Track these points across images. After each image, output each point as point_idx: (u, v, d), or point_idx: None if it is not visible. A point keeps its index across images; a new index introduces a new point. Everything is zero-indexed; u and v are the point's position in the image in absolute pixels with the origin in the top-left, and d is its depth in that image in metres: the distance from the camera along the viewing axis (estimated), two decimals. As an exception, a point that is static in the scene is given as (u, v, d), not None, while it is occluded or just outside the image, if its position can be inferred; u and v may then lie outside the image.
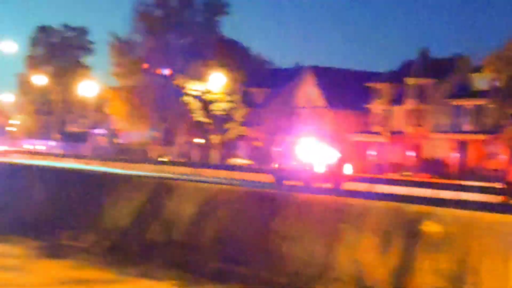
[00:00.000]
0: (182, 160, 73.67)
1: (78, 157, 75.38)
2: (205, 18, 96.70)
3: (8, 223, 19.10)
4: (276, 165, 42.26)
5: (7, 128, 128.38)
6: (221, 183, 20.85)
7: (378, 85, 72.91)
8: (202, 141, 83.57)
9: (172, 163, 67.86)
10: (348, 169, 38.99)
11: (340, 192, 24.43)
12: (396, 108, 71.09)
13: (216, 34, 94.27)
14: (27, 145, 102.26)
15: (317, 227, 15.97)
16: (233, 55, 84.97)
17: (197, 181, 21.97)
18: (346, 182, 36.62)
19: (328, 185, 34.99)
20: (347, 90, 76.12)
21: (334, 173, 37.70)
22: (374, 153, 70.35)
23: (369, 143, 72.40)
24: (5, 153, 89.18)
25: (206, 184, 19.77)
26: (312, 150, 38.77)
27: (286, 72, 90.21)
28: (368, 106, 73.53)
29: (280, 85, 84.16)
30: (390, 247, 15.44)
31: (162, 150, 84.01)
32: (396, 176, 57.53)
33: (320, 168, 37.95)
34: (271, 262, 14.44)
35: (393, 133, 70.16)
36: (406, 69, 70.66)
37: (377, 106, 73.06)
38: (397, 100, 70.51)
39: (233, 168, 61.41)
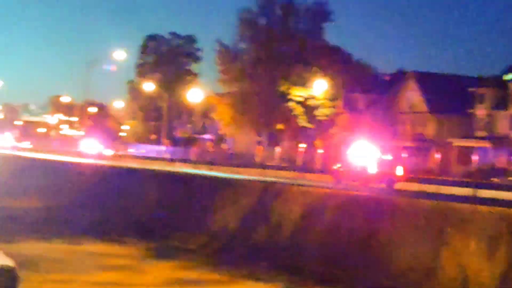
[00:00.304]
0: (286, 164, 73.73)
1: (186, 161, 76.42)
2: (309, 26, 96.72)
3: (123, 225, 19.63)
4: (338, 166, 44.85)
5: (120, 134, 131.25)
6: (326, 187, 20.91)
7: (481, 90, 71.61)
8: (305, 145, 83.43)
9: (277, 167, 68.01)
10: (399, 171, 41.26)
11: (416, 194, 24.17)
12: (500, 113, 69.75)
13: (319, 40, 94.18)
14: (136, 150, 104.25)
15: (420, 231, 15.87)
16: (336, 61, 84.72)
17: (302, 185, 22.05)
18: (398, 183, 38.29)
19: (382, 185, 36.69)
20: (449, 95, 74.92)
21: (387, 174, 39.88)
22: (476, 157, 69.18)
23: (472, 148, 71.15)
24: (114, 157, 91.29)
25: (310, 188, 19.86)
26: (365, 153, 41.96)
27: (388, 77, 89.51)
28: (471, 111, 72.29)
29: (382, 91, 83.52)
30: (496, 252, 15.20)
31: (267, 154, 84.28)
32: (500, 180, 56.59)
33: (373, 169, 40.29)
34: (375, 266, 14.42)
35: (497, 138, 68.92)
36: (509, 74, 69.48)
37: (480, 111, 71.78)
38: (500, 104, 69.16)
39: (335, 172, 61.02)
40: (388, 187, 36.69)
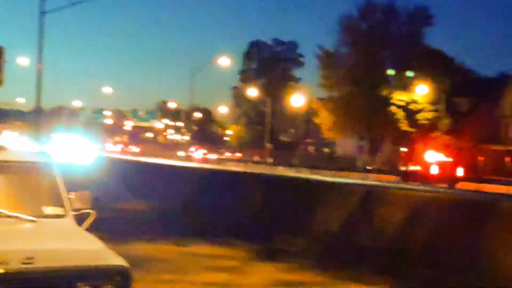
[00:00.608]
0: (388, 167, 73.18)
1: (289, 165, 76.79)
2: (409, 30, 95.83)
3: (227, 227, 19.81)
4: (404, 168, 51.24)
5: (224, 138, 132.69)
6: (429, 191, 20.61)
7: None
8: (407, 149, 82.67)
9: (378, 171, 67.56)
10: (460, 172, 46.57)
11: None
12: None
13: (420, 44, 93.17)
14: (239, 154, 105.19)
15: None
16: (437, 65, 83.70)
17: (404, 189, 21.81)
18: (458, 183, 42.10)
19: (444, 185, 39.70)
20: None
21: (448, 175, 44.67)
22: None
23: None
24: (218, 161, 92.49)
25: (413, 192, 19.58)
26: (426, 155, 48.66)
27: (490, 81, 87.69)
28: None
29: (485, 94, 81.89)
30: None
31: (368, 158, 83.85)
32: None
33: (435, 170, 46.29)
34: (481, 271, 14.12)
35: None
36: None
37: None
38: None
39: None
40: (449, 187, 39.02)
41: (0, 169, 8.35)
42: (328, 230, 18.00)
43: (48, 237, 7.54)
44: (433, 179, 44.65)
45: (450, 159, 49.35)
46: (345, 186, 24.85)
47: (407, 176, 47.26)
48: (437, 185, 38.61)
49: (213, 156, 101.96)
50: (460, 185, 41.91)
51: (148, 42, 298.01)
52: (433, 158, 48.72)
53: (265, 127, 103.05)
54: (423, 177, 45.01)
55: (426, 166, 47.85)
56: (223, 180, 26.36)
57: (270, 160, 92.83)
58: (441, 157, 49.22)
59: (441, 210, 15.66)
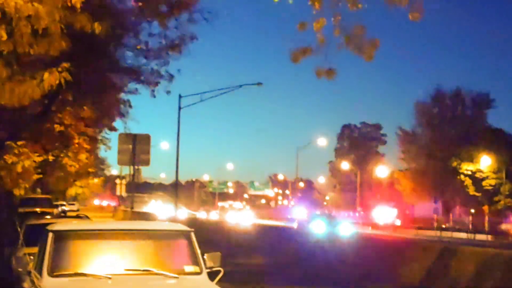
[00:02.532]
0: (459, 227, 71.08)
1: (376, 226, 75.91)
2: (474, 111, 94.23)
3: (328, 277, 19.61)
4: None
5: (323, 203, 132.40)
6: (493, 247, 19.95)
7: None
8: (474, 211, 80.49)
9: (452, 229, 65.80)
10: None
11: None
12: None
13: (483, 123, 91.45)
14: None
15: None
16: (498, 140, 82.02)
17: (474, 245, 21.18)
18: None
19: None
20: None
21: None
22: None
23: None
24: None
25: (481, 249, 19.00)
26: None
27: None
28: None
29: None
30: None
31: (443, 219, 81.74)
32: None
33: None
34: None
35: None
36: None
37: None
38: None
39: (501, 233, 59.01)
40: None
41: (150, 236, 8.58)
42: (413, 280, 17.56)
43: (187, 291, 7.66)
44: None
45: None
46: (423, 243, 24.32)
47: None
48: None
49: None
50: None
51: (261, 125, 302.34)
52: None
53: (356, 194, 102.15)
54: None
55: None
56: (317, 239, 26.20)
57: (360, 220, 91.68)
58: None
59: (505, 264, 15.09)
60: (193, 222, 38.00)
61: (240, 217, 60.17)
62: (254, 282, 18.09)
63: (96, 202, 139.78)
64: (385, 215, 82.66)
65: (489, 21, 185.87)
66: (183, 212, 77.94)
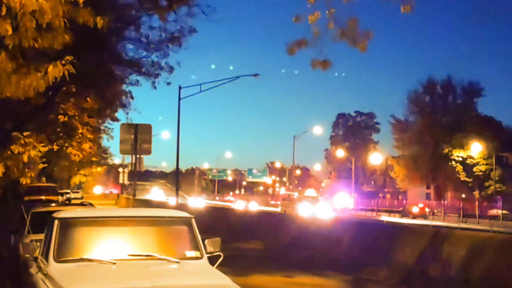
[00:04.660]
0: (450, 212, 71.28)
1: (370, 211, 76.17)
2: (464, 100, 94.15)
3: (325, 261, 19.64)
4: None
5: (320, 189, 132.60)
6: (485, 231, 20.04)
7: None
8: (466, 196, 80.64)
9: (444, 215, 65.98)
10: None
11: None
12: None
13: (473, 112, 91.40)
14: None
15: None
16: (488, 128, 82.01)
17: (465, 229, 21.27)
18: None
19: None
20: None
21: None
22: None
23: None
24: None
25: (472, 232, 19.06)
26: None
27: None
28: None
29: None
30: None
31: (434, 204, 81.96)
32: None
33: None
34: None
35: None
36: None
37: None
38: None
39: (491, 217, 59.22)
40: None
41: (153, 222, 8.62)
42: (406, 263, 17.60)
43: (189, 275, 7.69)
44: None
45: None
46: (416, 227, 24.36)
47: None
48: None
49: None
50: None
51: (258, 115, 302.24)
52: None
53: (351, 180, 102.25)
54: None
55: None
56: (320, 224, 26.21)
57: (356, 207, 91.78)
58: None
59: (497, 247, 15.13)
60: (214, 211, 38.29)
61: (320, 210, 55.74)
62: (247, 267, 18.11)
63: (98, 190, 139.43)
64: (343, 200, 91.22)
65: (479, 12, 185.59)
66: (200, 200, 78.20)
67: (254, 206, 77.79)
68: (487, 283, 14.31)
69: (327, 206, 60.74)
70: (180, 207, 37.09)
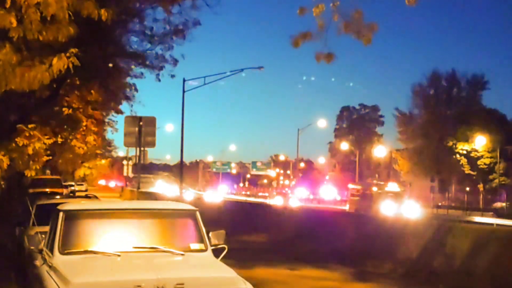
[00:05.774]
0: (454, 204, 71.26)
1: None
2: (469, 93, 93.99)
3: (328, 253, 19.65)
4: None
5: (324, 183, 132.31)
6: (488, 223, 20.03)
7: None
8: (470, 189, 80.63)
9: (447, 207, 65.95)
10: None
11: None
12: None
13: (478, 105, 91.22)
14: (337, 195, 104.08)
15: None
16: (492, 120, 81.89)
17: (469, 222, 21.27)
18: None
19: None
20: None
21: None
22: None
23: None
24: (316, 201, 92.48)
25: (476, 225, 19.12)
26: None
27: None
28: None
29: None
30: None
31: (438, 197, 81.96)
32: None
33: None
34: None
35: None
36: None
37: None
38: None
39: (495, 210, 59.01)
40: None
41: (157, 215, 8.64)
42: (409, 256, 17.63)
43: (193, 267, 7.71)
44: None
45: None
46: (420, 220, 24.40)
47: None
48: None
49: (311, 197, 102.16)
50: None
51: (263, 108, 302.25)
52: None
53: (355, 173, 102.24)
54: None
55: None
56: (322, 217, 26.27)
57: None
58: None
59: (499, 240, 15.15)
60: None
61: None
62: (251, 260, 18.14)
63: (102, 182, 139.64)
64: (329, 192, 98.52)
65: (483, 5, 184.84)
66: (218, 194, 77.34)
67: (294, 202, 69.03)
68: (491, 275, 14.35)
69: (416, 205, 49.90)
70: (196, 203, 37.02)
